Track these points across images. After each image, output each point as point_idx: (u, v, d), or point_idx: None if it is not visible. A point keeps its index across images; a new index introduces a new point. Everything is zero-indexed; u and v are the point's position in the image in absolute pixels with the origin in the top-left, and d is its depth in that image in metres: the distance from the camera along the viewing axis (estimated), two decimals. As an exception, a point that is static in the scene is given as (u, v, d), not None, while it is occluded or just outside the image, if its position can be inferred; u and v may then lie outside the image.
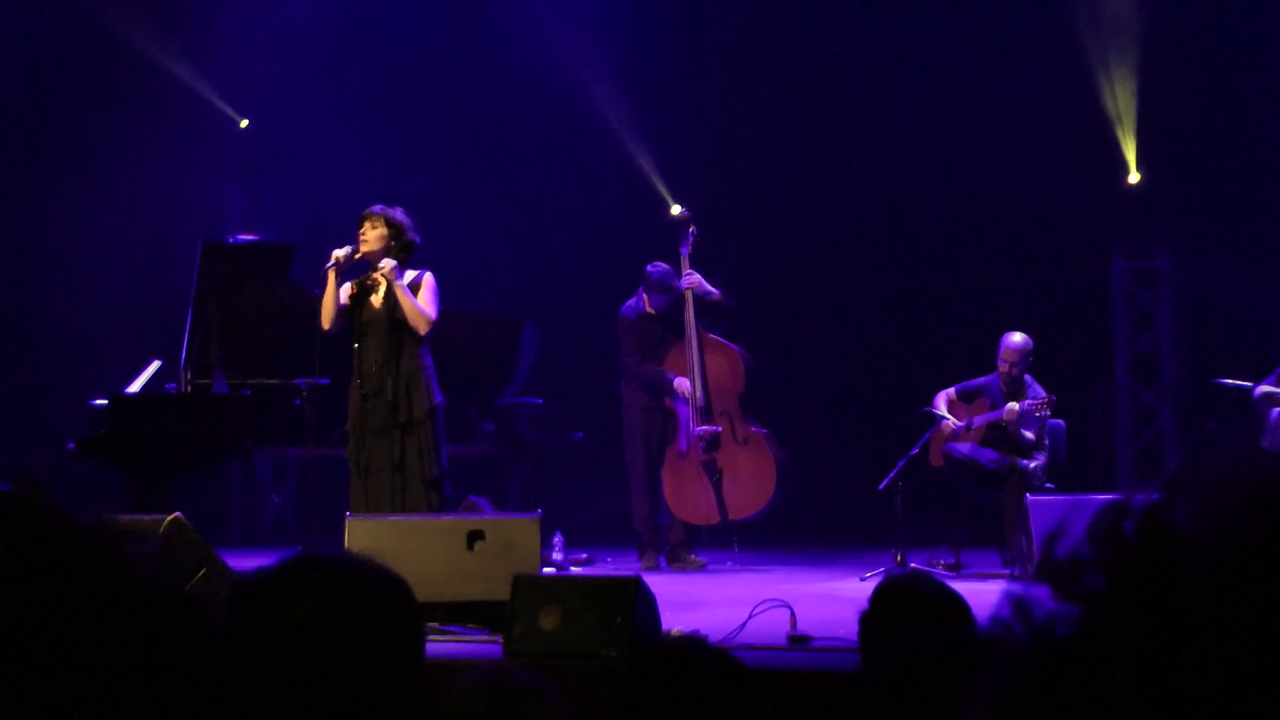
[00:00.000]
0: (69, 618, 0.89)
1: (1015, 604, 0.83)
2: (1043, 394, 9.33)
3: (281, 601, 1.66)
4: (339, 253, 7.81)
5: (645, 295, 10.06)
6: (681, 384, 9.90)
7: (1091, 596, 0.80)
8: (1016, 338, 9.45)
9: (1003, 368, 9.45)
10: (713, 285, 10.03)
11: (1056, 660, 0.79)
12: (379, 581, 1.71)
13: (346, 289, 7.82)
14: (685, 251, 10.03)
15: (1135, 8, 11.63)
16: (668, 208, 11.37)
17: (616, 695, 2.81)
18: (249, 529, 13.27)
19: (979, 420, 9.41)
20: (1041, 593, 0.82)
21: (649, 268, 10.03)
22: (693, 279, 9.97)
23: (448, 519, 7.09)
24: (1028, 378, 9.46)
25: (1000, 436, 9.38)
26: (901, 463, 9.01)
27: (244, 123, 13.35)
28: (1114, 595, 0.79)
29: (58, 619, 0.88)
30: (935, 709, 1.91)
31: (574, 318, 11.88)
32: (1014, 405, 9.23)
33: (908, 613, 3.06)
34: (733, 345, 10.12)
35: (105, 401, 9.29)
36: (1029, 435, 9.35)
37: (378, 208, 7.88)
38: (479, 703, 2.36)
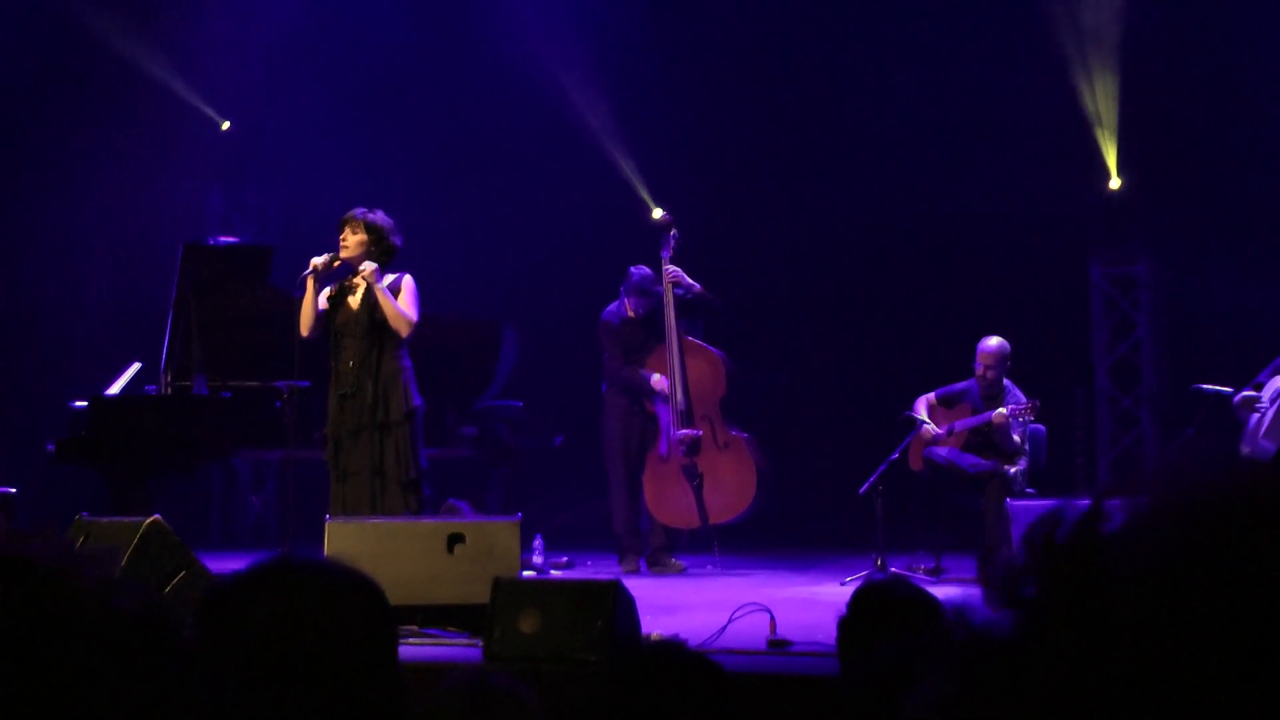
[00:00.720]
0: (18, 651, 0.87)
1: (955, 610, 0.84)
2: (1024, 399, 9.35)
3: (254, 605, 1.65)
4: (318, 260, 7.75)
5: (626, 299, 10.05)
6: (660, 381, 9.89)
7: (1027, 603, 0.81)
8: (993, 342, 9.47)
9: (980, 372, 9.47)
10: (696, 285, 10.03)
11: (993, 664, 0.80)
12: (351, 585, 1.71)
13: (326, 293, 7.78)
14: (666, 255, 10.02)
15: (1116, 14, 11.65)
16: (649, 211, 11.36)
17: (596, 699, 2.80)
18: (229, 532, 13.23)
19: (961, 425, 9.42)
20: (982, 599, 0.83)
21: (631, 269, 10.02)
22: (672, 271, 9.93)
23: (428, 522, 7.06)
24: (1007, 382, 9.48)
25: (982, 441, 9.40)
26: (882, 467, 9.00)
27: (225, 125, 13.32)
28: (1044, 602, 0.80)
29: (6, 653, 0.87)
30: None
31: (555, 321, 11.86)
32: (1003, 409, 9.25)
33: (886, 618, 3.05)
34: (714, 349, 10.11)
35: (85, 403, 9.26)
36: (1017, 439, 9.37)
37: (358, 211, 7.80)
38: (457, 706, 2.36)
